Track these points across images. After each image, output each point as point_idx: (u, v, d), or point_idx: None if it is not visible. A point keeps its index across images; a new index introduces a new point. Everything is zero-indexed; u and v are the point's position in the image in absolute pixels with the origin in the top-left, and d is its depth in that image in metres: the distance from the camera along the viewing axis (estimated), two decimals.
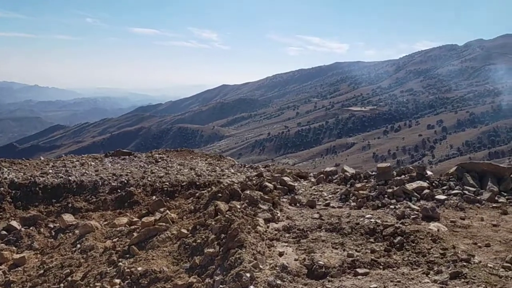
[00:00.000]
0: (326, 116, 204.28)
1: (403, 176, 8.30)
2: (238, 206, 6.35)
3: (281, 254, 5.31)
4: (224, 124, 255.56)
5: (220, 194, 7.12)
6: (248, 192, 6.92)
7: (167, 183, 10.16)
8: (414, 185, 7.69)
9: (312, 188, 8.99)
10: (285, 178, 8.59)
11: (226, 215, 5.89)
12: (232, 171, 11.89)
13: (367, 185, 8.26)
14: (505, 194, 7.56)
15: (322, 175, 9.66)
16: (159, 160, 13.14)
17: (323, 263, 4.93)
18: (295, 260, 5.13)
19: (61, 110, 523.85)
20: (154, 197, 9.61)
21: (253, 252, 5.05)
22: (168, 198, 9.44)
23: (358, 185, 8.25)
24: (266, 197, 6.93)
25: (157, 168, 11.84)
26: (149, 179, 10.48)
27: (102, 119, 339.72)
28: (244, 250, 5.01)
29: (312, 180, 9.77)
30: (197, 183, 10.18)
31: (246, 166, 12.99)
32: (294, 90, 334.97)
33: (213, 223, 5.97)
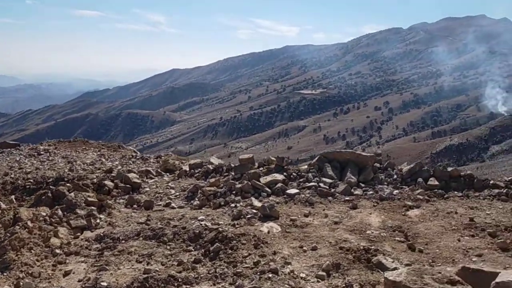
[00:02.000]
0: (277, 99, 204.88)
1: (261, 169, 7.80)
2: (44, 214, 5.36)
3: (67, 273, 4.40)
4: (175, 109, 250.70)
5: (44, 197, 6.12)
6: (72, 194, 5.97)
7: (32, 180, 8.91)
8: (269, 178, 7.24)
9: (165, 185, 8.17)
10: (130, 175, 7.70)
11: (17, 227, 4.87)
12: (116, 163, 10.82)
13: (221, 180, 7.58)
14: (363, 185, 7.19)
15: (184, 169, 8.85)
16: (42, 152, 12.15)
17: (106, 284, 4.06)
18: (79, 281, 4.23)
19: (1, 97, 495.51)
20: (12, 196, 8.47)
21: (20, 275, 4.08)
22: (27, 198, 8.41)
23: (212, 180, 7.56)
24: (91, 199, 6.02)
25: (33, 162, 10.81)
26: (12, 175, 9.29)
27: (46, 105, 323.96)
28: (7, 274, 4.04)
29: (177, 173, 8.97)
30: (65, 179, 9.08)
31: (137, 157, 11.92)
32: (246, 74, 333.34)
33: None
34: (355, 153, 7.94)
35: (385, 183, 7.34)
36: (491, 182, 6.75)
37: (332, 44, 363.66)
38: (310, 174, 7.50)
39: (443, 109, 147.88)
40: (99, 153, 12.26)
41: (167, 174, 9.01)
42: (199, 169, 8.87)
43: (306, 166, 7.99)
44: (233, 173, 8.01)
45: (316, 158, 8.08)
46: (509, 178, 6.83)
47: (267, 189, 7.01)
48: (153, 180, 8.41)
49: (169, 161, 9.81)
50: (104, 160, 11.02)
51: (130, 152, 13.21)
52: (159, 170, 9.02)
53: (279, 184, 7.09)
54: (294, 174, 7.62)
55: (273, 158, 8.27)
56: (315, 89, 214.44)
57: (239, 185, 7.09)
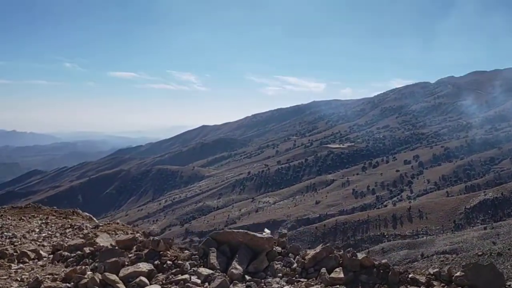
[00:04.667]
0: (305, 153, 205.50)
1: (130, 255, 6.35)
2: None
3: None
4: (204, 164, 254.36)
5: None
6: None
7: None
8: (131, 269, 5.87)
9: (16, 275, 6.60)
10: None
11: None
12: (43, 235, 9.64)
13: (78, 271, 6.10)
14: (249, 277, 5.81)
15: (59, 251, 7.37)
16: None
17: None
18: None
19: (39, 155, 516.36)
20: None
21: None
22: None
23: (69, 270, 6.12)
24: None
25: None
26: None
27: (80, 162, 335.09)
28: None
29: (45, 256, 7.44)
30: None
31: (75, 227, 10.46)
32: (274, 129, 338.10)
33: None
34: (248, 235, 6.43)
35: (280, 274, 5.94)
36: (410, 276, 5.32)
37: (359, 98, 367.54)
38: (188, 263, 6.06)
39: (475, 162, 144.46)
40: (44, 221, 11.47)
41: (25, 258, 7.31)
42: (74, 253, 7.16)
43: (187, 253, 6.51)
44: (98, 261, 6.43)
45: (203, 241, 6.57)
46: (434, 270, 5.45)
47: (120, 285, 5.52)
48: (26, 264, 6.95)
49: (89, 235, 8.45)
50: (37, 230, 10.27)
51: (82, 220, 12.11)
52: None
53: (139, 279, 5.61)
54: (169, 262, 6.11)
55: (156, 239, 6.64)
56: (342, 143, 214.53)
57: (84, 281, 5.58)
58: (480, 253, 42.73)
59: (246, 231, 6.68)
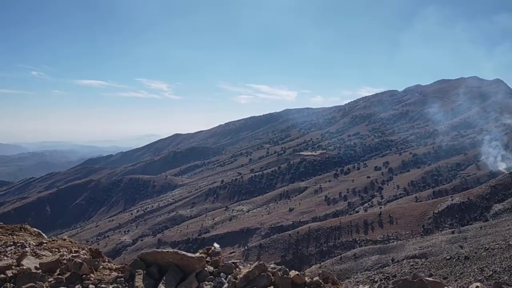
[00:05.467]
0: (278, 161, 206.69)
1: (51, 279, 5.81)
2: None
3: None
4: (177, 173, 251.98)
5: None
6: None
7: None
8: None
9: None
10: None
11: None
12: None
13: None
14: None
15: None
16: None
17: None
18: None
19: (5, 165, 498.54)
20: None
21: None
22: None
23: None
24: None
25: None
26: None
27: (49, 173, 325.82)
28: None
29: None
30: None
31: (17, 245, 9.23)
32: (247, 137, 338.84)
33: None
34: (178, 254, 6.05)
35: None
36: None
37: (330, 107, 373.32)
38: (111, 287, 5.59)
39: (442, 168, 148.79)
40: None
41: None
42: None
43: (113, 275, 6.07)
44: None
45: (131, 262, 6.18)
46: (365, 286, 5.30)
47: None
48: None
49: (21, 255, 7.46)
50: None
51: (29, 237, 11.00)
52: None
53: None
54: (91, 286, 5.63)
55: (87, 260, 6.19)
56: (315, 150, 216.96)
57: None
58: (448, 257, 44.04)
59: (176, 250, 6.35)
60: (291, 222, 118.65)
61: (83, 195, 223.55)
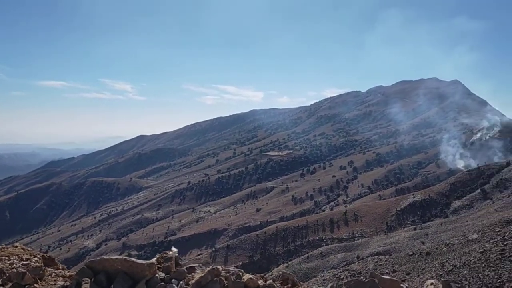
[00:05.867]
0: (245, 162, 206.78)
1: None
2: None
3: None
4: (142, 175, 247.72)
5: None
6: None
7: None
8: None
9: None
10: None
11: None
12: None
13: None
14: None
15: None
16: None
17: None
18: None
19: None
20: None
21: None
22: None
23: None
24: None
25: None
26: None
27: (7, 177, 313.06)
28: None
29: None
30: None
31: None
32: (213, 138, 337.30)
33: None
34: (127, 261, 5.79)
35: None
36: None
37: (296, 107, 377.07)
38: None
39: (404, 166, 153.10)
40: None
41: None
42: None
43: (59, 284, 5.84)
44: None
45: (78, 270, 5.88)
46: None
47: None
48: None
49: None
50: None
51: None
52: None
53: None
54: None
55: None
56: (281, 150, 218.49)
57: None
58: (411, 253, 45.26)
59: (125, 257, 6.09)
60: (259, 222, 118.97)
61: (44, 199, 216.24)
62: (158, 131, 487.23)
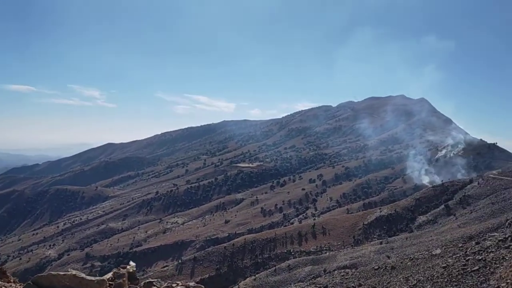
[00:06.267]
0: (215, 173, 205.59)
1: None
2: None
3: None
4: (108, 184, 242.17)
5: None
6: None
7: None
8: None
9: None
10: None
11: None
12: None
13: None
14: None
15: None
16: None
17: None
18: None
19: None
20: None
21: None
22: None
23: None
24: None
25: None
26: None
27: None
28: None
29: None
30: None
31: None
32: (183, 148, 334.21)
33: None
34: (77, 278, 5.47)
35: None
36: None
37: (267, 119, 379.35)
38: None
39: (372, 181, 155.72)
40: None
41: None
42: None
43: None
44: None
45: (24, 286, 5.63)
46: None
47: None
48: None
49: None
50: None
51: None
52: None
53: None
54: None
55: None
56: (252, 162, 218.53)
57: None
58: (376, 267, 45.66)
59: (75, 273, 5.69)
60: (227, 234, 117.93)
61: (4, 207, 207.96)
62: (127, 139, 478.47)
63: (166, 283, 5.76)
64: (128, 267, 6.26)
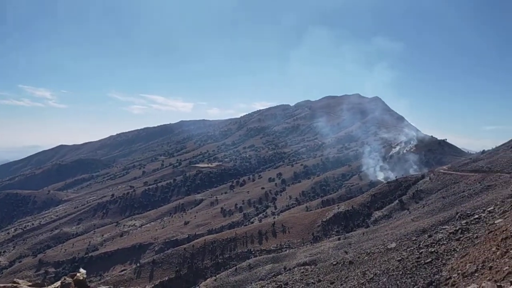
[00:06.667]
0: (173, 173, 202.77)
1: None
2: None
3: None
4: (61, 187, 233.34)
5: None
6: None
7: None
8: None
9: None
10: None
11: None
12: None
13: None
14: None
15: None
16: None
17: None
18: None
19: None
20: None
21: None
22: None
23: None
24: None
25: None
26: None
27: None
28: None
29: None
30: None
31: None
32: (140, 149, 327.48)
33: None
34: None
35: None
36: None
37: (226, 119, 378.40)
38: None
39: (330, 179, 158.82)
40: None
41: None
42: None
43: None
44: None
45: None
46: None
47: None
48: None
49: None
50: None
51: None
52: None
53: None
54: None
55: None
56: (211, 162, 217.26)
57: None
58: (335, 263, 46.53)
59: (14, 282, 5.08)
60: (187, 236, 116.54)
61: None
62: (80, 141, 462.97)
63: None
64: (78, 274, 5.92)
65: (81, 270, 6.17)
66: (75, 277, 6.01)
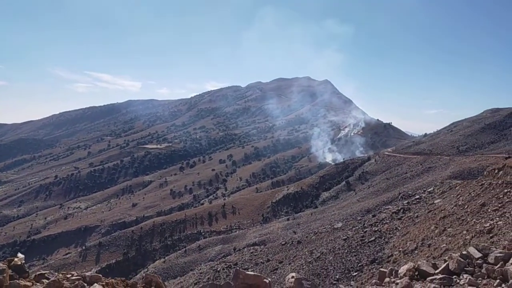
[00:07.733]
0: (120, 154, 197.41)
1: None
2: None
3: None
4: (1, 168, 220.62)
5: None
6: None
7: None
8: None
9: None
10: None
11: None
12: None
13: None
14: None
15: None
16: None
17: None
18: None
19: None
20: None
21: None
22: None
23: None
24: None
25: None
26: None
27: None
28: None
29: None
30: None
31: None
32: (85, 128, 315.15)
33: None
34: None
35: None
36: None
37: (177, 99, 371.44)
38: None
39: (280, 160, 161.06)
40: None
41: None
42: None
43: None
44: None
45: None
46: None
47: None
48: None
49: None
50: None
51: None
52: None
53: None
54: None
55: None
56: (160, 143, 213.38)
57: None
58: (283, 243, 47.46)
59: None
60: (135, 218, 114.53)
61: None
62: (20, 119, 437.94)
63: (56, 275, 5.12)
64: (15, 259, 5.46)
65: (19, 254, 5.71)
66: (13, 262, 5.55)
